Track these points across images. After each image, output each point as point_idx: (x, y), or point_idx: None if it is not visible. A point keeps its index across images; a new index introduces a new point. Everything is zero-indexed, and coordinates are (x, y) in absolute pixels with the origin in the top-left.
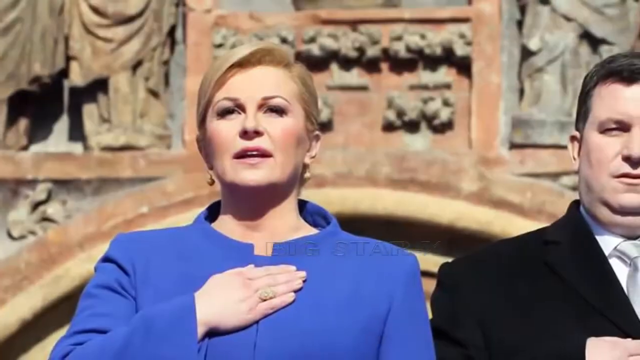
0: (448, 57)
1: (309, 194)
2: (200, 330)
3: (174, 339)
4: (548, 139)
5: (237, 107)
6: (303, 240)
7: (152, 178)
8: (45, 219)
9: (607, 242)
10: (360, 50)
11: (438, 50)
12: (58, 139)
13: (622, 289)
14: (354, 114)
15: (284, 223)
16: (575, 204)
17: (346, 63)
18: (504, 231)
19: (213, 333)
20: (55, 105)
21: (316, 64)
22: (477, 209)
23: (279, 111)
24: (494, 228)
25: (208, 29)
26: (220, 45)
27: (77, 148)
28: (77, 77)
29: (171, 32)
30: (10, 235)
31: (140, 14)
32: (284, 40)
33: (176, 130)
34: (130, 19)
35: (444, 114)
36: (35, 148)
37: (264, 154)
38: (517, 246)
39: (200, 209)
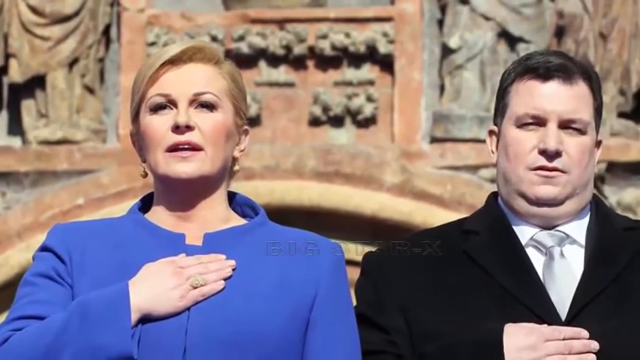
0: (371, 55)
1: (238, 186)
2: (134, 316)
3: (108, 324)
4: (467, 134)
5: (169, 103)
6: (233, 231)
7: (87, 171)
8: None
9: (524, 232)
10: (288, 48)
11: (362, 48)
12: None
13: (538, 277)
14: (281, 109)
15: (214, 214)
16: (494, 196)
17: (274, 60)
18: (425, 222)
19: (146, 319)
20: None
21: (245, 61)
22: (399, 201)
23: (210, 107)
24: (416, 219)
25: (141, 28)
26: (153, 44)
27: (15, 142)
28: (15, 74)
29: (106, 30)
30: None
31: (76, 14)
32: (214, 39)
33: (111, 124)
34: (66, 18)
35: (368, 110)
36: None
37: (195, 148)
38: (438, 236)
39: (134, 201)
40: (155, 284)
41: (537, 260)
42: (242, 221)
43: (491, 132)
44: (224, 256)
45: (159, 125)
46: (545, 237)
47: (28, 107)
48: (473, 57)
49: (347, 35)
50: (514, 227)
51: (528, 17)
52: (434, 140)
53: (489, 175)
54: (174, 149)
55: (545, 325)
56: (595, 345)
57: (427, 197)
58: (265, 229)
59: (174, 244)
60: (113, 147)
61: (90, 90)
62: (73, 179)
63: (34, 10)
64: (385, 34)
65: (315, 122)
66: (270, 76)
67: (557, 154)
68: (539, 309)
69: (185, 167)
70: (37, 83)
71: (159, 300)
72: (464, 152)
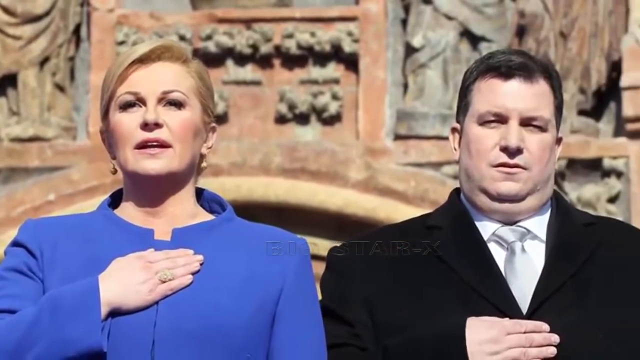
0: (336, 54)
1: (205, 182)
2: (104, 310)
3: (79, 318)
4: (430, 131)
5: (138, 101)
6: (201, 226)
7: (58, 167)
8: None
9: (486, 228)
10: (254, 47)
11: (327, 47)
12: None
13: (500, 271)
14: (248, 107)
15: (182, 209)
16: (456, 192)
17: (241, 59)
18: (389, 217)
19: (116, 313)
20: None
21: (212, 60)
22: (363, 197)
23: (178, 104)
24: (380, 214)
25: (111, 27)
26: (122, 43)
27: None
28: None
29: (76, 30)
30: None
31: (47, 13)
32: (182, 38)
33: (81, 122)
34: (37, 18)
35: (333, 107)
36: None
37: (163, 145)
38: (401, 231)
39: (104, 197)
40: (124, 278)
41: (498, 255)
42: (209, 217)
43: (454, 130)
44: (191, 251)
45: (128, 122)
46: (506, 232)
47: (0, 105)
48: (436, 56)
49: (313, 34)
50: (476, 223)
51: (490, 17)
52: (398, 137)
53: (451, 171)
54: (142, 146)
55: (507, 318)
56: (555, 338)
57: (391, 193)
58: (232, 225)
59: (143, 239)
60: (83, 144)
61: (60, 88)
62: (44, 175)
63: (5, 10)
64: (350, 33)
65: (281, 119)
66: (237, 75)
67: (518, 151)
68: (500, 303)
69: (154, 164)
70: (8, 81)
71: (129, 294)
72: (427, 149)
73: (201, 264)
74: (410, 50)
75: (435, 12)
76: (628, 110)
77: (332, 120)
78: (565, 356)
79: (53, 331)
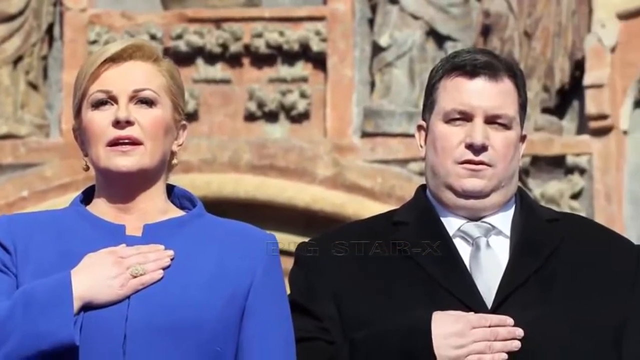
0: (305, 53)
1: (176, 179)
2: (76, 304)
3: (51, 312)
4: (397, 129)
5: (110, 99)
6: (171, 222)
7: (31, 164)
8: None
9: (451, 223)
10: (224, 46)
11: (295, 47)
12: None
13: (465, 266)
14: (218, 105)
15: (153, 206)
16: (422, 188)
17: (211, 58)
18: (357, 213)
19: (88, 307)
20: None
21: (183, 59)
22: (331, 193)
23: (149, 102)
24: (347, 210)
25: (83, 27)
26: (94, 42)
27: None
28: None
29: (49, 29)
30: None
31: (20, 13)
32: (153, 37)
33: (54, 120)
34: (11, 18)
35: (301, 105)
36: None
37: (134, 142)
38: (368, 227)
39: (77, 193)
40: (96, 273)
41: (464, 250)
42: (180, 213)
43: (420, 127)
44: (162, 246)
45: (100, 120)
46: (472, 228)
47: None
48: (402, 55)
49: (281, 34)
50: (442, 219)
51: (455, 17)
52: (365, 134)
53: (417, 168)
54: (114, 143)
55: (472, 313)
56: (519, 332)
57: (359, 190)
58: (202, 221)
59: (114, 235)
60: (56, 141)
61: (34, 86)
62: (17, 172)
63: None
64: (318, 33)
65: (250, 117)
66: (207, 73)
67: (483, 148)
68: (466, 298)
69: (125, 161)
70: None
71: (100, 288)
72: (393, 146)
73: (172, 259)
74: (377, 49)
75: (401, 11)
76: (591, 108)
77: (300, 118)
78: (529, 350)
79: (26, 325)
